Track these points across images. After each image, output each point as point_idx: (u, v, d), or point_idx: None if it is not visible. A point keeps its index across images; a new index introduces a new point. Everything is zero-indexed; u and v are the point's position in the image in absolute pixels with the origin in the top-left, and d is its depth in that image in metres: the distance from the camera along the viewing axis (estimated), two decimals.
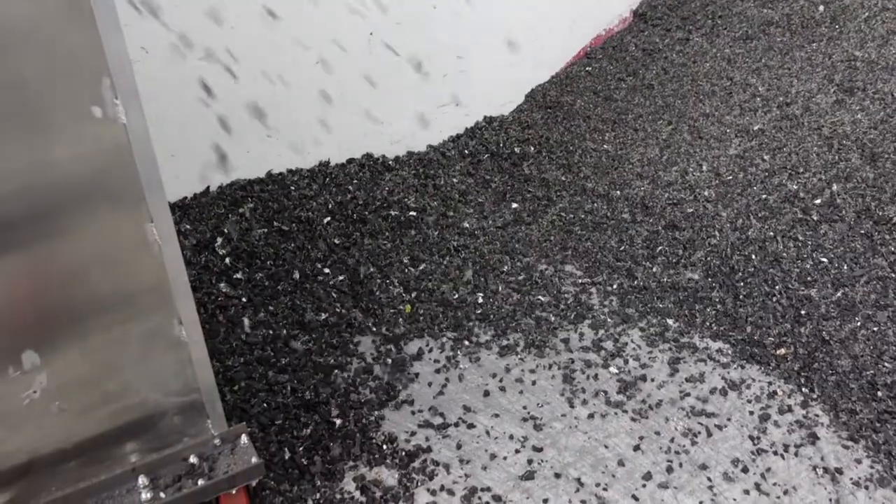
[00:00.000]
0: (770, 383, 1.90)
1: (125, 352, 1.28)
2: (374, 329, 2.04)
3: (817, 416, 1.81)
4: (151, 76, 2.13)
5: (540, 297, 2.19)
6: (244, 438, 1.46)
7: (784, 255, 2.21)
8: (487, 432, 1.80)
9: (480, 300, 2.15)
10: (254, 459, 1.42)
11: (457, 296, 2.16)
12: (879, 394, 1.82)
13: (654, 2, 3.34)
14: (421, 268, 2.23)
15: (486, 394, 1.90)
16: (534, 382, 1.93)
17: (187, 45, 2.18)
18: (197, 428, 1.44)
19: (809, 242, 2.23)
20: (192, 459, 1.42)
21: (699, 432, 1.77)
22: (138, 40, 2.08)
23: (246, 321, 2.00)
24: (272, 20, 2.30)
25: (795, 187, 2.42)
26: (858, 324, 2.00)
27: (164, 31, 2.12)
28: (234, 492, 1.42)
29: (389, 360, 1.97)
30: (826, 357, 1.92)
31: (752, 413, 1.83)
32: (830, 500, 1.61)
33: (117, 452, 1.37)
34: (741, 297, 2.13)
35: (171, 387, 1.37)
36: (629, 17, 3.30)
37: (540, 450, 1.74)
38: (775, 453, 1.72)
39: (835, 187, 2.39)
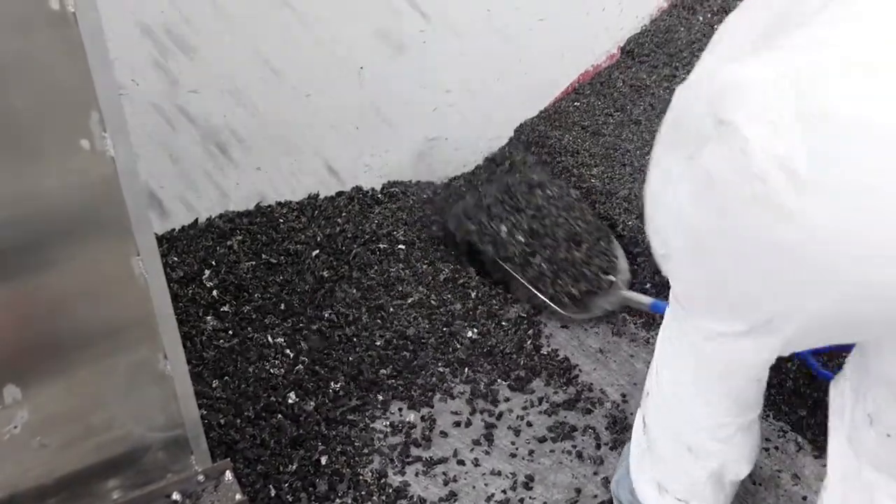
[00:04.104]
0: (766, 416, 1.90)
1: (108, 386, 1.26)
2: (361, 363, 2.02)
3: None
4: (141, 108, 2.14)
5: (530, 330, 2.18)
6: (229, 475, 1.44)
7: None
8: (476, 468, 1.78)
9: (470, 335, 2.14)
10: (238, 496, 1.40)
11: (447, 329, 2.15)
12: None
13: (640, 38, 3.38)
14: (410, 301, 2.22)
15: (476, 430, 1.88)
16: (521, 418, 1.91)
17: (176, 77, 2.19)
18: (180, 464, 1.42)
19: None
20: (175, 496, 1.40)
21: None
22: (129, 73, 2.09)
23: (232, 355, 1.99)
24: (263, 53, 2.31)
25: None
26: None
27: (154, 63, 2.13)
28: None
29: (380, 396, 1.95)
30: (813, 392, 1.92)
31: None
32: None
33: (99, 488, 1.35)
34: None
35: (154, 422, 1.35)
36: (616, 53, 3.34)
37: (529, 487, 1.73)
38: (766, 490, 1.72)
39: None
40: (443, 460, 1.80)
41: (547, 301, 2.08)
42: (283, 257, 2.32)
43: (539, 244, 2.16)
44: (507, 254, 2.18)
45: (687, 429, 1.45)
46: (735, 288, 1.15)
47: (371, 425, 1.87)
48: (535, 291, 2.07)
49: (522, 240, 2.17)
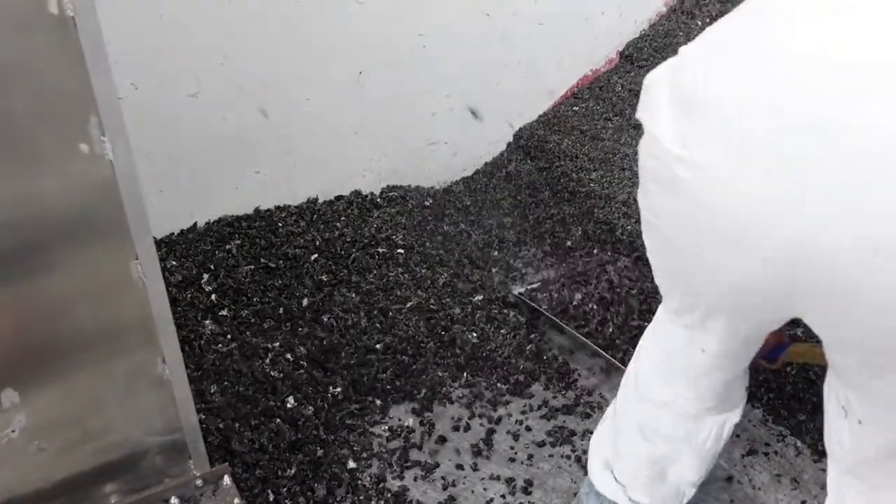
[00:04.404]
0: (765, 421, 1.90)
1: (106, 390, 1.26)
2: (360, 367, 2.02)
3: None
4: (140, 112, 2.14)
5: (530, 334, 2.18)
6: (227, 479, 1.44)
7: None
8: (475, 473, 1.78)
9: (469, 339, 2.14)
10: (236, 501, 1.40)
11: (446, 334, 2.15)
12: None
13: (639, 43, 3.39)
14: (409, 305, 2.22)
15: (475, 434, 1.88)
16: (521, 422, 1.91)
17: (175, 81, 2.19)
18: (179, 468, 1.41)
19: None
20: (174, 501, 1.39)
21: None
22: (128, 77, 2.09)
23: (231, 359, 1.98)
24: (262, 58, 2.32)
25: None
26: None
27: (154, 67, 2.13)
28: None
29: (379, 400, 1.95)
30: (812, 397, 1.92)
31: (743, 455, 1.82)
32: None
33: (97, 493, 1.35)
34: None
35: (153, 426, 1.35)
36: (616, 58, 3.35)
37: (528, 492, 1.72)
38: (765, 494, 1.72)
39: None
40: (441, 465, 1.79)
41: (619, 364, 2.03)
42: (281, 261, 2.32)
43: (613, 312, 2.15)
44: (574, 320, 2.15)
45: (645, 402, 1.47)
46: (664, 265, 1.27)
47: (370, 430, 1.87)
48: (609, 356, 2.04)
49: (595, 307, 2.17)
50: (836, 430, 1.21)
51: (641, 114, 1.13)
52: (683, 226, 1.09)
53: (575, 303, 2.20)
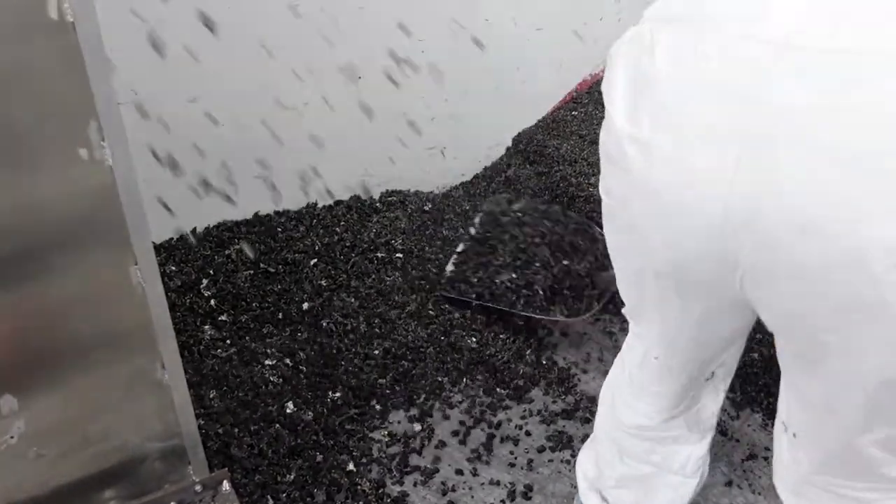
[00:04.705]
0: (764, 425, 1.90)
1: (106, 396, 1.26)
2: (360, 372, 2.02)
3: None
4: (139, 117, 2.14)
5: (530, 339, 2.18)
6: (226, 485, 1.44)
7: None
8: (474, 478, 1.77)
9: (469, 344, 2.14)
10: None
11: (446, 338, 2.14)
12: None
13: None
14: (408, 310, 2.22)
15: (474, 439, 1.88)
16: (520, 427, 1.91)
17: (174, 86, 2.19)
18: (178, 474, 1.41)
19: None
20: None
21: None
22: (128, 82, 2.09)
23: (230, 364, 1.98)
24: (262, 62, 2.32)
25: None
26: None
27: (154, 72, 2.13)
28: None
29: (378, 405, 1.95)
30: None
31: (743, 460, 1.82)
32: None
33: (96, 499, 1.34)
34: None
35: (152, 431, 1.35)
36: None
37: (528, 497, 1.72)
38: (766, 499, 1.71)
39: None
40: (441, 470, 1.79)
41: (562, 318, 2.02)
42: (280, 266, 2.32)
43: (532, 272, 2.15)
44: (505, 298, 2.16)
45: (617, 427, 1.47)
46: (619, 252, 1.23)
47: (369, 435, 1.87)
48: (545, 316, 2.04)
49: (515, 276, 2.17)
50: (778, 447, 1.21)
51: (603, 87, 1.10)
52: (636, 207, 1.07)
53: (496, 279, 2.20)
